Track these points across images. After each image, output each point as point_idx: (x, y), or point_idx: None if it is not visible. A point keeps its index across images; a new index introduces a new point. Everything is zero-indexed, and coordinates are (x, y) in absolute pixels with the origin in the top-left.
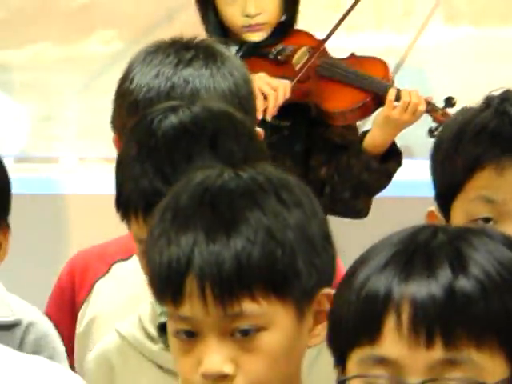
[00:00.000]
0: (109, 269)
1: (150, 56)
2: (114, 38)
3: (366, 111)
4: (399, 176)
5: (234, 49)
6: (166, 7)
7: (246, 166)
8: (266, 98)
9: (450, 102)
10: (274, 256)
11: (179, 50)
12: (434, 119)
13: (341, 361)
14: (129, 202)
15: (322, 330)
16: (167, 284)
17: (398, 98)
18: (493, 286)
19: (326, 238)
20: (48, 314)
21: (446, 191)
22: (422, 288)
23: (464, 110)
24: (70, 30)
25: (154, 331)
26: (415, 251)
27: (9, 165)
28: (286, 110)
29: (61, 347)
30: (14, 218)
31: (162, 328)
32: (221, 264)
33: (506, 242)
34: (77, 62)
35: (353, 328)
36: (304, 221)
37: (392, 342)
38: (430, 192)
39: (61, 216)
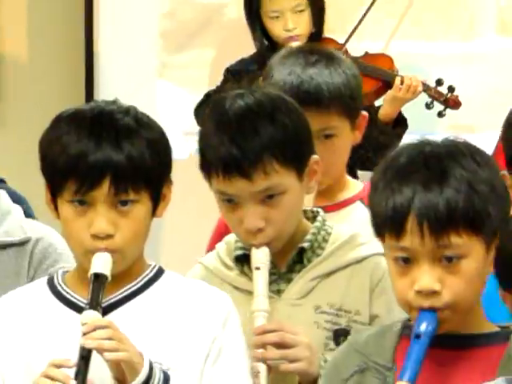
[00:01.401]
0: None
1: (285, 59)
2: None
3: (379, 93)
4: None
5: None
6: None
7: (443, 139)
8: None
9: (439, 82)
10: (473, 202)
11: (306, 54)
12: (429, 96)
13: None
14: (211, 165)
15: (492, 263)
16: (393, 222)
17: (401, 82)
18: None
19: (505, 188)
20: (212, 241)
21: None
22: None
23: None
24: (224, 38)
25: (229, 261)
26: None
27: (180, 136)
28: None
29: (67, 253)
30: (180, 176)
31: (237, 259)
32: (436, 208)
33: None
34: None
35: None
36: (492, 176)
37: None
38: None
39: None
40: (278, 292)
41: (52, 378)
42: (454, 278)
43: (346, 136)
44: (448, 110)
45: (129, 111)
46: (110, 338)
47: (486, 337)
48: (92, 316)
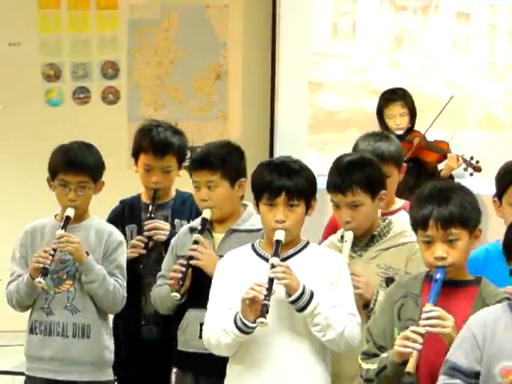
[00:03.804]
0: None
1: (364, 138)
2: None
3: (440, 161)
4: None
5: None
6: None
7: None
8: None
9: (471, 158)
10: (463, 212)
11: (375, 136)
12: (466, 164)
13: None
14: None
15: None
16: (422, 223)
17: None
18: None
19: (477, 204)
20: (326, 230)
21: (500, 191)
22: None
23: (507, 162)
24: (326, 129)
25: (337, 241)
26: None
27: None
28: (411, 158)
29: None
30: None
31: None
32: (444, 215)
33: None
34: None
35: None
36: (471, 199)
37: None
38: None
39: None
40: (360, 256)
41: (254, 290)
42: (453, 251)
43: (394, 178)
44: (475, 173)
45: (296, 161)
46: (285, 272)
47: (468, 281)
48: (275, 259)
